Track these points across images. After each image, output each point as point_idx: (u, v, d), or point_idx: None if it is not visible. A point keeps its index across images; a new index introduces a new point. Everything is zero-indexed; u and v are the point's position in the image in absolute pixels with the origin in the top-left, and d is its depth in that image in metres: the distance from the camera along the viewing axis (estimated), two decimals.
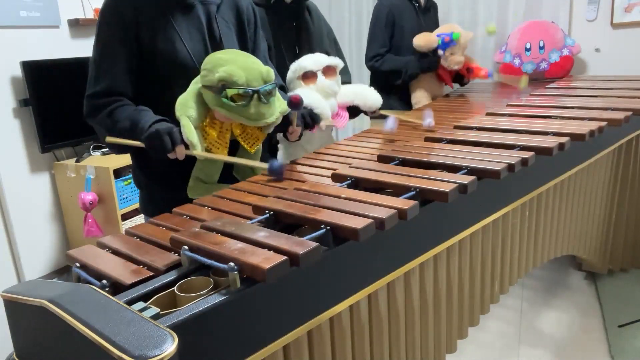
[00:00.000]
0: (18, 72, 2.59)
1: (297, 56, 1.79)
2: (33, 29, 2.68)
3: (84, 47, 2.94)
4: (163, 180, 1.40)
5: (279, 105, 1.33)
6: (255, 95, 1.24)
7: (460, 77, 2.60)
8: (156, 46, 1.32)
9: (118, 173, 2.76)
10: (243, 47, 1.47)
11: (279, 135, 1.64)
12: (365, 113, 1.89)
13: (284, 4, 1.85)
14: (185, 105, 1.27)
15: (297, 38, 1.89)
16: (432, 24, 2.66)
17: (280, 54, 1.83)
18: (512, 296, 2.33)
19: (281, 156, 1.82)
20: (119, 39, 1.30)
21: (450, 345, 1.27)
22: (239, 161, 1.34)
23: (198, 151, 1.25)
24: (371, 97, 1.82)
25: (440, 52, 2.40)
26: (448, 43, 2.37)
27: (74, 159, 2.80)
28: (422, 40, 2.40)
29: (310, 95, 1.63)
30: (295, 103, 1.35)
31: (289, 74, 1.75)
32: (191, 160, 1.30)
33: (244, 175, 1.43)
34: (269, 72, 1.28)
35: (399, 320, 1.06)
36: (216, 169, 1.37)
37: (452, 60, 2.40)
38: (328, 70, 1.73)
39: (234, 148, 1.39)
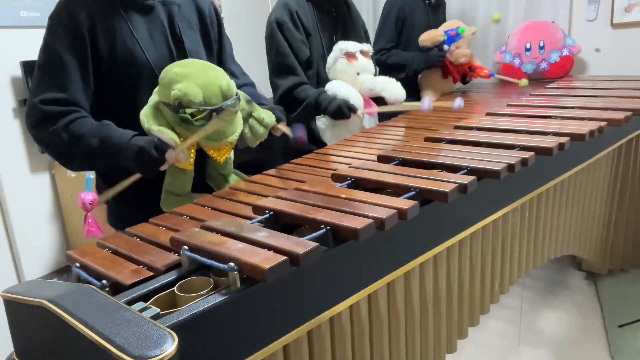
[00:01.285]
0: (18, 72, 2.59)
1: (333, 44, 1.96)
2: (33, 29, 2.67)
3: None
4: (129, 198, 1.28)
5: (257, 115, 1.31)
6: (214, 114, 1.15)
7: (463, 75, 2.61)
8: (115, 53, 1.23)
9: None
10: (208, 48, 1.43)
11: (327, 120, 1.86)
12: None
13: None
14: (151, 117, 1.19)
15: (334, 27, 2.03)
16: (442, 21, 2.68)
17: (318, 42, 1.97)
18: (512, 296, 2.33)
19: (328, 137, 1.95)
20: (72, 46, 1.19)
21: (450, 345, 1.27)
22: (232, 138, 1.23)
23: (183, 145, 1.17)
24: (397, 90, 2.00)
25: (446, 47, 2.41)
26: (454, 37, 2.39)
27: None
28: (428, 36, 2.42)
29: (345, 89, 1.84)
30: (299, 142, 1.39)
31: (333, 54, 1.93)
32: (159, 174, 1.23)
33: (218, 184, 1.40)
34: (230, 86, 1.19)
35: (399, 320, 1.06)
36: (187, 179, 1.30)
37: (459, 54, 2.42)
38: (362, 54, 1.95)
39: (202, 159, 1.34)
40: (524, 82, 2.51)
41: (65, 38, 1.19)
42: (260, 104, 1.40)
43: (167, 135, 1.15)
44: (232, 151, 1.36)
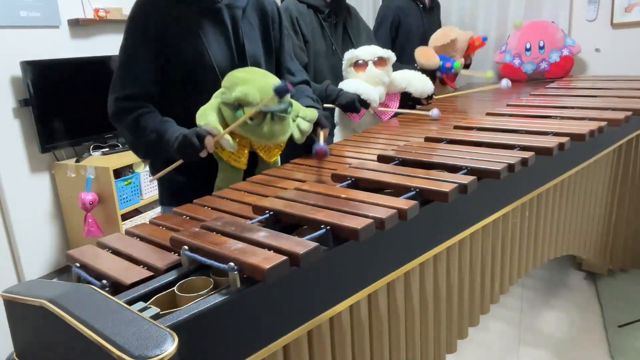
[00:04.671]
0: (18, 72, 2.59)
1: (335, 51, 1.98)
2: (33, 29, 2.68)
3: (84, 47, 2.94)
4: (188, 170, 1.39)
5: (303, 117, 1.40)
6: (269, 115, 1.27)
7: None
8: (182, 54, 1.33)
9: (118, 173, 2.76)
10: (267, 48, 1.50)
11: (337, 117, 1.89)
12: (416, 102, 2.04)
13: (326, 2, 1.99)
14: (205, 115, 1.29)
15: (335, 34, 2.04)
16: (436, 24, 2.67)
17: (317, 48, 1.98)
18: (512, 296, 2.33)
19: (337, 137, 1.97)
20: (146, 46, 1.31)
21: (450, 345, 1.27)
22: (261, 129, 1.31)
23: (225, 136, 1.26)
24: (422, 83, 1.97)
25: (438, 73, 2.41)
26: (448, 69, 2.39)
27: (74, 159, 2.80)
28: (424, 58, 2.39)
29: (358, 85, 1.82)
30: (319, 154, 1.44)
31: (344, 62, 1.93)
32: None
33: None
34: (285, 97, 1.30)
35: (399, 320, 1.06)
36: (237, 177, 1.39)
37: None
38: (380, 61, 1.88)
39: (254, 159, 1.44)
40: (489, 74, 2.47)
41: (140, 39, 1.31)
42: (312, 101, 1.51)
43: (210, 125, 1.25)
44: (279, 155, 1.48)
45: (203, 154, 1.26)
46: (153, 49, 1.32)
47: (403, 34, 2.53)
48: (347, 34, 2.08)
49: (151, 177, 1.32)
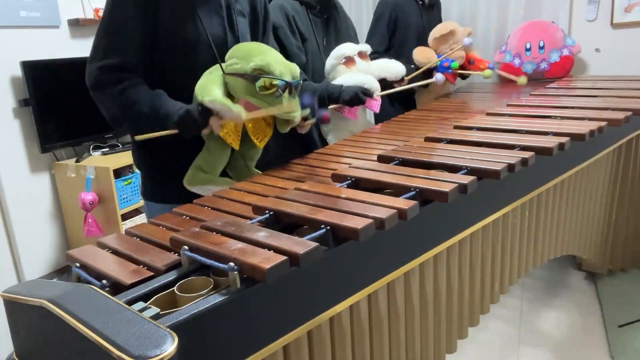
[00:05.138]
0: (18, 72, 2.59)
1: (325, 48, 1.96)
2: (33, 29, 2.67)
3: (84, 47, 2.94)
4: (165, 165, 1.39)
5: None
6: (288, 88, 1.25)
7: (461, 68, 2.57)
8: (176, 30, 1.30)
9: (118, 173, 2.76)
10: (254, 35, 1.50)
11: (329, 124, 1.86)
12: (390, 87, 2.06)
13: None
14: (207, 89, 1.24)
15: (327, 30, 2.03)
16: (436, 22, 2.65)
17: (314, 46, 1.97)
18: (512, 296, 2.33)
19: (331, 140, 1.96)
20: (137, 15, 1.26)
21: (450, 345, 1.27)
22: (276, 111, 1.29)
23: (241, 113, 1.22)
24: (395, 67, 2.02)
25: (435, 72, 2.40)
26: (445, 68, 2.37)
27: (74, 159, 2.80)
28: (422, 57, 2.37)
29: (357, 77, 1.83)
30: (323, 121, 1.45)
31: (331, 61, 1.91)
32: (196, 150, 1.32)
33: (239, 175, 1.43)
34: (297, 69, 1.31)
35: (399, 320, 1.06)
36: (224, 158, 1.36)
37: (453, 56, 2.41)
38: (361, 55, 1.93)
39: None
40: (522, 80, 2.48)
41: (132, 6, 1.25)
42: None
43: (220, 104, 1.20)
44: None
45: (205, 132, 1.24)
46: (144, 20, 1.26)
47: (401, 30, 2.51)
48: (335, 31, 2.07)
49: (137, 137, 1.27)
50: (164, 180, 1.41)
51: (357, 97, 1.75)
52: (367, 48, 1.98)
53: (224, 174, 1.41)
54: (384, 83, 2.02)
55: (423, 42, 2.49)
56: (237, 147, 1.33)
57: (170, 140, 1.26)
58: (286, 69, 1.27)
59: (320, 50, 1.98)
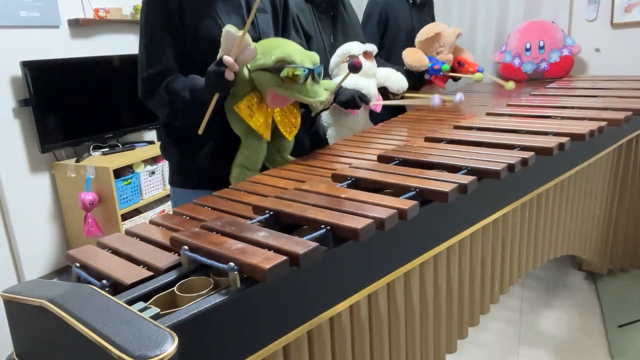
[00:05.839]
0: (18, 72, 2.59)
1: (332, 45, 1.97)
2: (33, 29, 2.67)
3: (84, 47, 2.94)
4: (198, 151, 1.45)
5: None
6: (311, 75, 1.32)
7: (452, 70, 2.55)
8: (198, 31, 1.37)
9: (118, 173, 2.76)
10: (276, 31, 1.55)
11: (329, 118, 1.91)
12: (389, 97, 2.09)
13: None
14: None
15: (333, 27, 2.04)
16: (428, 21, 2.62)
17: (320, 44, 1.98)
18: (512, 296, 2.33)
19: (331, 138, 1.97)
20: (165, 25, 1.34)
21: (450, 345, 1.27)
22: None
23: (246, 36, 1.26)
24: (399, 81, 2.05)
25: (427, 75, 2.39)
26: (436, 71, 2.36)
27: (74, 159, 2.80)
28: (412, 60, 2.35)
29: (358, 81, 1.84)
30: (356, 67, 1.46)
31: (335, 58, 1.93)
32: (228, 136, 1.39)
33: (275, 164, 1.49)
34: (316, 56, 1.37)
35: (399, 320, 1.06)
36: (262, 153, 1.42)
37: (441, 60, 2.39)
38: (365, 55, 1.94)
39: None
40: (510, 85, 2.46)
41: (158, 17, 1.35)
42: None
43: (224, 38, 1.26)
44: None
45: (229, 76, 1.26)
46: (172, 26, 1.35)
47: (391, 30, 2.48)
48: (343, 28, 2.07)
49: (200, 131, 1.34)
50: (190, 168, 1.48)
51: (354, 100, 1.79)
52: (373, 48, 1.99)
53: (264, 168, 1.47)
54: (384, 91, 2.05)
55: (414, 42, 2.46)
56: (268, 137, 1.40)
57: (194, 131, 1.34)
58: (306, 58, 1.33)
59: (326, 48, 1.98)
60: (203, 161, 1.45)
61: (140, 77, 1.38)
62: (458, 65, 2.49)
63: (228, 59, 1.25)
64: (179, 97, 1.32)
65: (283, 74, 1.28)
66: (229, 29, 1.24)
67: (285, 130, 1.44)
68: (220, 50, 1.28)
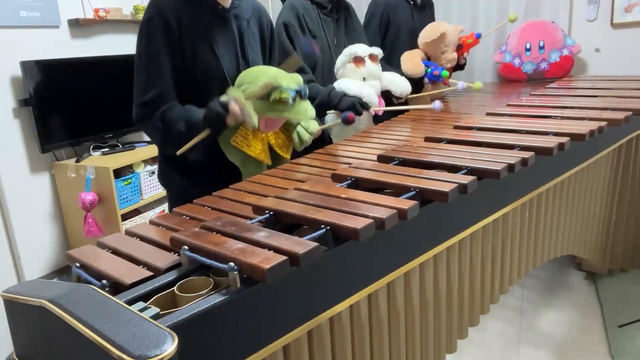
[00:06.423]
0: (18, 72, 2.59)
1: (335, 46, 2.03)
2: (33, 29, 2.68)
3: (84, 47, 2.94)
4: (199, 178, 1.47)
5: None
6: (298, 95, 1.37)
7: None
8: (196, 56, 1.39)
9: (118, 173, 2.76)
10: (264, 60, 1.60)
11: (332, 118, 1.93)
12: (391, 100, 2.14)
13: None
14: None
15: (337, 29, 2.09)
16: (429, 22, 2.62)
17: (325, 44, 2.03)
18: (512, 296, 2.33)
19: (336, 137, 2.02)
20: (165, 49, 1.35)
21: (450, 345, 1.27)
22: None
23: (247, 105, 1.32)
24: (403, 84, 2.10)
25: (425, 81, 2.39)
26: (435, 76, 2.36)
27: (74, 159, 2.80)
28: (408, 68, 2.35)
29: (361, 88, 1.89)
30: (349, 121, 1.68)
31: (342, 58, 1.98)
32: (223, 158, 1.42)
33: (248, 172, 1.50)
34: (300, 77, 1.41)
35: (399, 320, 1.06)
36: (262, 171, 1.46)
37: (445, 59, 2.39)
38: (371, 58, 1.99)
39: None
40: (477, 85, 2.43)
41: (161, 40, 1.35)
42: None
43: (236, 94, 1.34)
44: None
45: (230, 121, 1.31)
46: (172, 50, 1.35)
47: (392, 31, 2.48)
48: (347, 31, 2.11)
49: (178, 152, 1.36)
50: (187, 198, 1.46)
51: (354, 107, 1.83)
52: (379, 52, 2.03)
53: None
54: (388, 95, 2.09)
55: (415, 43, 2.46)
56: (269, 161, 1.47)
57: (202, 180, 1.40)
58: (291, 80, 1.37)
59: (330, 48, 2.02)
60: (203, 187, 1.44)
61: (137, 102, 1.38)
62: (457, 49, 2.47)
63: (235, 108, 1.29)
64: (174, 127, 1.34)
65: (272, 97, 1.33)
66: (232, 97, 1.31)
67: (282, 151, 1.51)
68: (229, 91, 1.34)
